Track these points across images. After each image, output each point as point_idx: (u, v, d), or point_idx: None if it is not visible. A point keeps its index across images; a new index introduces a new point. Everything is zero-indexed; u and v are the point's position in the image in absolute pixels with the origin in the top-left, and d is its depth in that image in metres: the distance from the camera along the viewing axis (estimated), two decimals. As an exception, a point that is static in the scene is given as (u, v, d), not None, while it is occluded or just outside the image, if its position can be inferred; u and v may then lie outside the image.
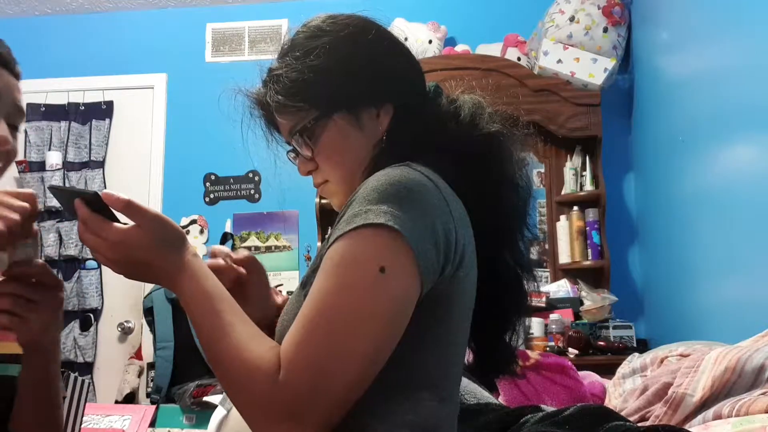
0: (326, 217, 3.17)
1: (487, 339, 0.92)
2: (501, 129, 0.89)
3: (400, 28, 3.17)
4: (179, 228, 0.79)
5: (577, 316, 2.83)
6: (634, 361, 1.67)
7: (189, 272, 0.76)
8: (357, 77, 0.86)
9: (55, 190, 0.80)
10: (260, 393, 0.69)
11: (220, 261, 0.93)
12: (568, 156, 3.12)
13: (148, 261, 0.75)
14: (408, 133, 0.86)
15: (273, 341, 0.74)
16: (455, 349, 0.83)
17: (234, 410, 1.39)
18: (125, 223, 0.75)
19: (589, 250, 2.97)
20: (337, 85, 0.86)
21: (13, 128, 0.92)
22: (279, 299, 1.00)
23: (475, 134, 0.87)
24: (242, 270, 0.95)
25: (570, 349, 2.63)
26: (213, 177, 3.49)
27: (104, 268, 3.41)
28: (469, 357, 0.94)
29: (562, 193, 3.10)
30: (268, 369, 0.69)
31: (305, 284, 0.81)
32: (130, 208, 0.75)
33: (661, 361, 1.52)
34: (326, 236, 0.81)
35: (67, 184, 3.44)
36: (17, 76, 0.97)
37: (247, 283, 0.94)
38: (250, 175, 3.47)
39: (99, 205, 0.75)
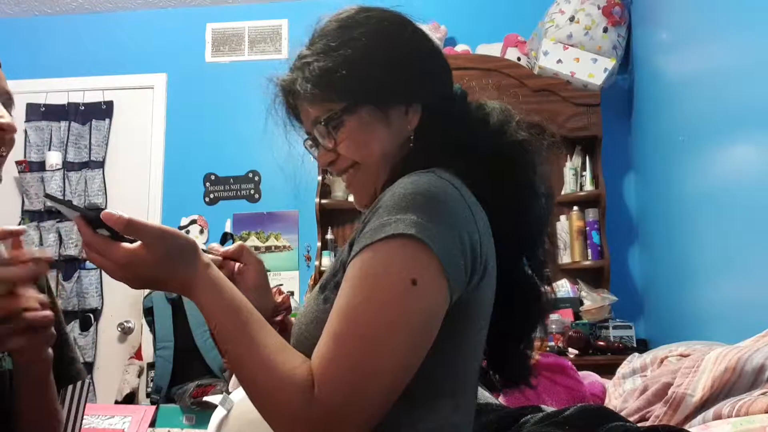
0: (326, 217, 3.17)
1: (501, 346, 0.92)
2: (528, 137, 0.89)
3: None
4: (188, 239, 0.76)
5: (577, 316, 2.84)
6: (634, 361, 1.67)
7: (203, 284, 0.74)
8: (390, 74, 0.86)
9: (53, 200, 0.76)
10: (294, 409, 0.68)
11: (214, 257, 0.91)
12: (568, 156, 3.12)
13: (159, 277, 0.74)
14: (437, 135, 0.86)
15: (302, 355, 0.72)
16: (474, 356, 0.82)
17: (234, 411, 1.38)
18: (132, 239, 0.73)
19: (589, 250, 2.98)
20: (369, 80, 0.85)
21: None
22: (279, 298, 0.99)
23: (502, 141, 0.87)
24: (236, 263, 0.93)
25: (570, 349, 2.64)
26: (213, 177, 3.49)
27: (104, 268, 3.41)
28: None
29: (562, 193, 3.10)
30: (301, 384, 0.68)
31: (324, 288, 0.80)
32: (131, 227, 0.71)
33: (661, 361, 1.51)
34: (349, 241, 0.78)
35: (67, 185, 3.45)
36: None
37: (245, 272, 0.93)
38: (250, 175, 3.47)
39: (101, 222, 0.72)
